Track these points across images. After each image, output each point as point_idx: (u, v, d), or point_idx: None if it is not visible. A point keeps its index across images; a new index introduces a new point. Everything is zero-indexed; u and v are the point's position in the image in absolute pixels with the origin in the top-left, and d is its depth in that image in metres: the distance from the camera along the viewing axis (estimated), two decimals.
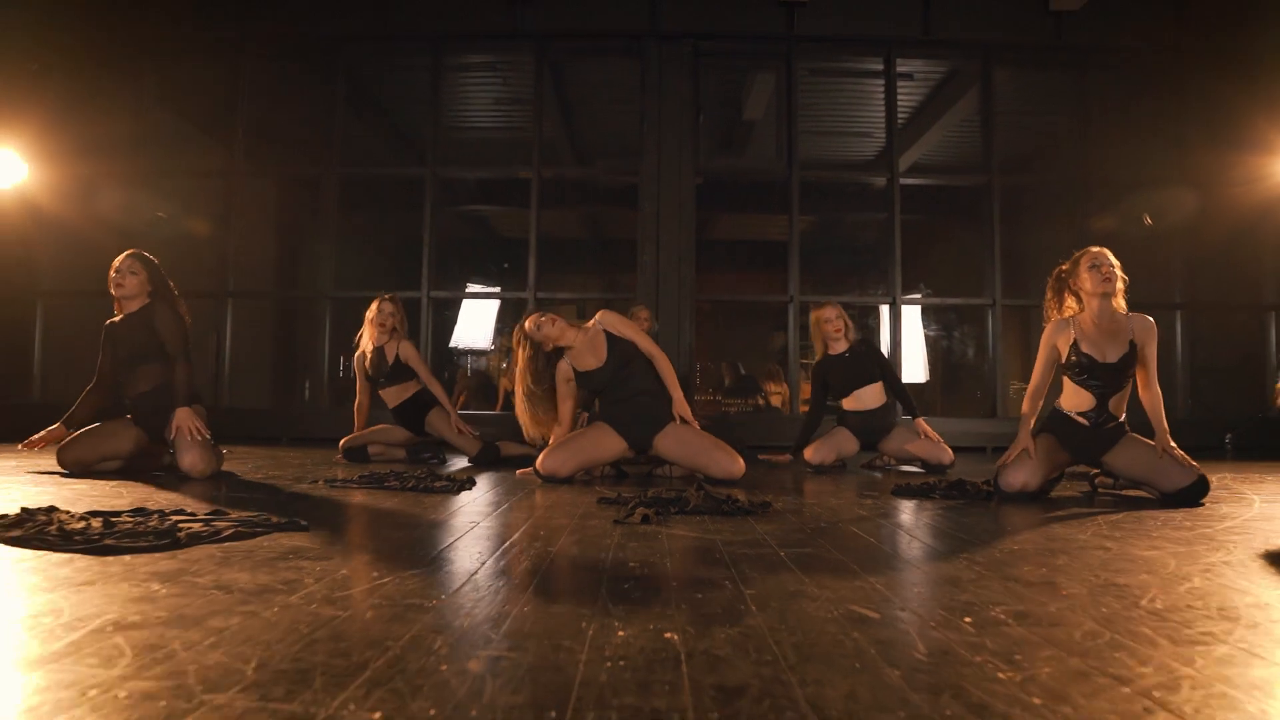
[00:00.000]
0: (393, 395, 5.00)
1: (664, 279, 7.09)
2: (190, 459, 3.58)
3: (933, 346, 11.03)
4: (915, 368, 10.63)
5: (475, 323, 12.27)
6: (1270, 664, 1.08)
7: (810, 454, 4.74)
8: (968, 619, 1.29)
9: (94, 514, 2.23)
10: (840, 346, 4.78)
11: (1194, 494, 3.02)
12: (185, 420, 3.64)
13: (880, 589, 1.52)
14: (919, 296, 10.38)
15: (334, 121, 7.53)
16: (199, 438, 3.63)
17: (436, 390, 4.98)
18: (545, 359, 3.84)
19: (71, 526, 2.02)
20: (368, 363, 5.00)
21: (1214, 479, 3.54)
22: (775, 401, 10.07)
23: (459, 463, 4.94)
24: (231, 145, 7.63)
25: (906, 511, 2.81)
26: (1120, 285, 3.19)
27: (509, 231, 12.06)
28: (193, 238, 8.27)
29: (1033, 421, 3.30)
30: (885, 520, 2.57)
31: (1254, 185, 6.92)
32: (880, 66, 7.52)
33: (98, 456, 3.72)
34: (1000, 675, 1.02)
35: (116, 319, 3.93)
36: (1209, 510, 2.87)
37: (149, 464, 3.90)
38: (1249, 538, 2.23)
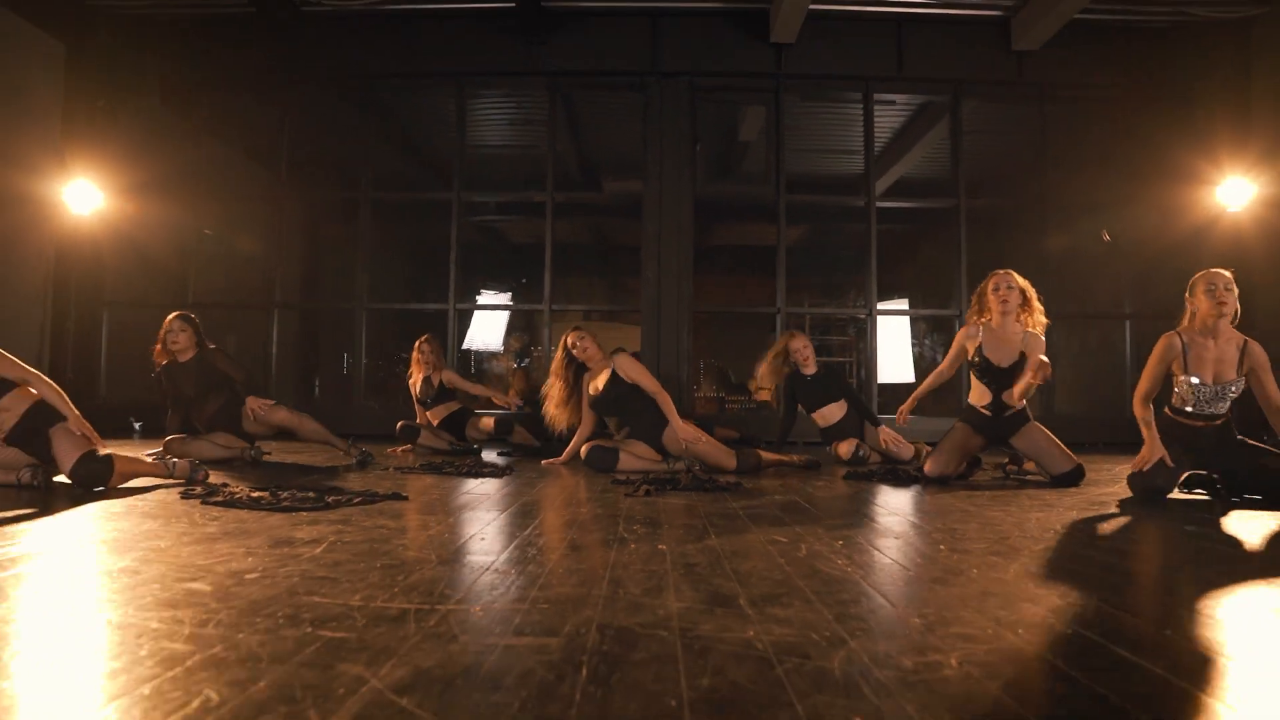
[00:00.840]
0: (438, 413, 6.04)
1: (665, 293, 7.94)
2: (280, 416, 4.77)
3: (914, 350, 11.85)
4: (898, 369, 11.43)
5: (489, 329, 13.10)
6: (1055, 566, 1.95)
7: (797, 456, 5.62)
8: (839, 543, 2.16)
9: (257, 488, 3.11)
10: (810, 369, 5.64)
11: (1073, 478, 3.89)
12: (255, 401, 4.71)
13: (798, 530, 2.39)
14: (893, 307, 11.22)
15: (368, 150, 8.39)
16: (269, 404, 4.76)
17: (481, 391, 6.02)
18: (576, 367, 4.77)
19: (254, 495, 2.90)
20: (418, 390, 6.06)
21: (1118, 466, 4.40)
22: (769, 399, 10.89)
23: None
24: (276, 171, 8.48)
25: (846, 491, 3.66)
26: (1017, 304, 4.06)
27: (519, 238, 12.89)
28: (238, 254, 9.17)
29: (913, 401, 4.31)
30: (825, 496, 3.43)
31: (1187, 212, 7.76)
32: (860, 100, 8.36)
33: (197, 454, 4.67)
34: (842, 564, 1.89)
35: (165, 362, 5.06)
36: (1082, 489, 3.73)
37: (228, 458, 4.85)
38: (1083, 501, 3.10)
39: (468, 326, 12.70)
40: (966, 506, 3.05)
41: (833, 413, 5.58)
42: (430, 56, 8.18)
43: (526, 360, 12.90)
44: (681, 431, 4.53)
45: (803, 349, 5.65)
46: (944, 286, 9.02)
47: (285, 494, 2.96)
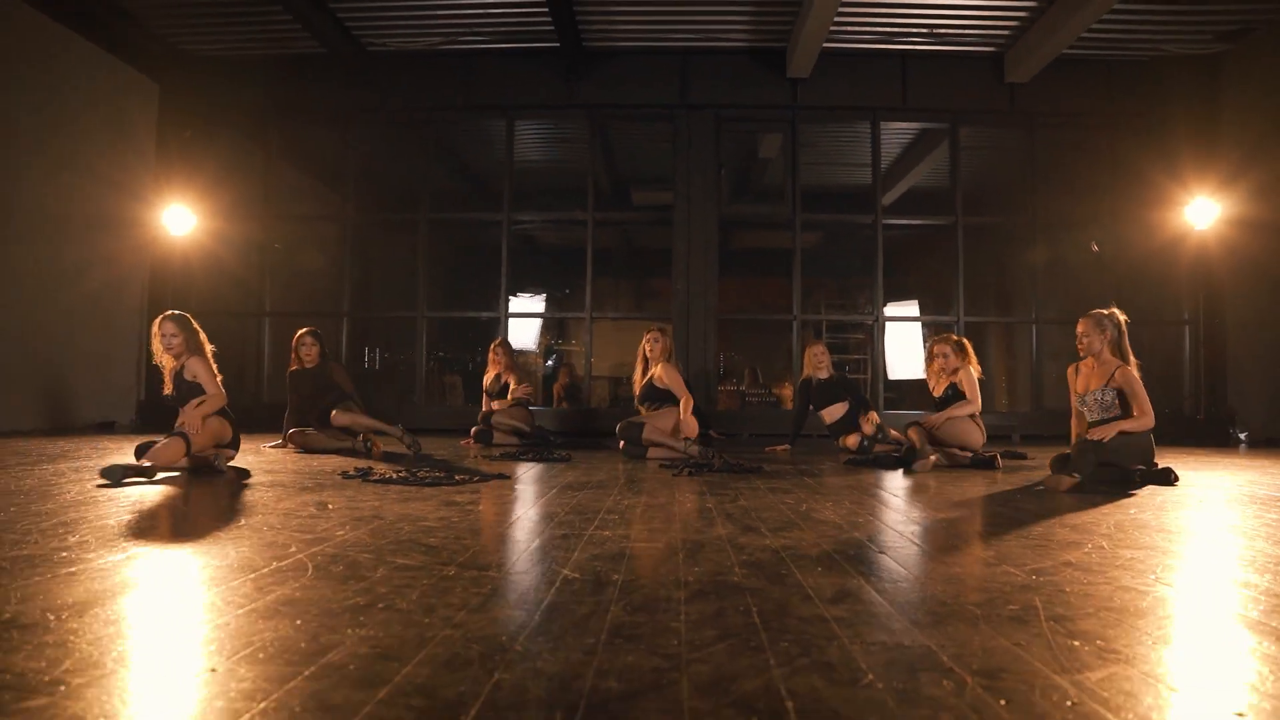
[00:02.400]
0: (502, 404, 7.02)
1: (693, 303, 8.91)
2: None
3: (919, 351, 12.76)
4: (910, 366, 12.32)
5: (522, 330, 14.10)
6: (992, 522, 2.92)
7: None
8: (827, 501, 3.13)
9: (397, 470, 4.12)
10: (824, 374, 6.59)
11: (988, 463, 4.92)
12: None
13: (800, 494, 3.36)
14: (900, 312, 12.15)
15: (426, 173, 9.39)
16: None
17: (523, 391, 7.01)
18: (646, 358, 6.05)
19: (400, 476, 3.90)
20: (487, 384, 7.13)
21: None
22: (785, 398, 11.82)
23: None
24: (341, 194, 9.50)
25: (846, 472, 4.63)
26: (951, 354, 5.38)
27: (551, 242, 13.84)
28: (305, 268, 10.22)
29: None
30: (831, 474, 4.40)
31: (1161, 229, 8.65)
32: (867, 129, 9.28)
33: (317, 444, 5.71)
34: (831, 516, 2.86)
35: (295, 368, 6.15)
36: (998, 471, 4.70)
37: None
38: (993, 477, 4.06)
39: (498, 330, 13.68)
40: (925, 480, 4.02)
41: (836, 411, 6.51)
42: (483, 91, 9.17)
43: (552, 359, 13.89)
44: (684, 427, 5.59)
45: (818, 355, 6.60)
46: (950, 290, 9.89)
47: (425, 475, 3.96)
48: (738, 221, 10.46)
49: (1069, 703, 1.11)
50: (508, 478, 4.07)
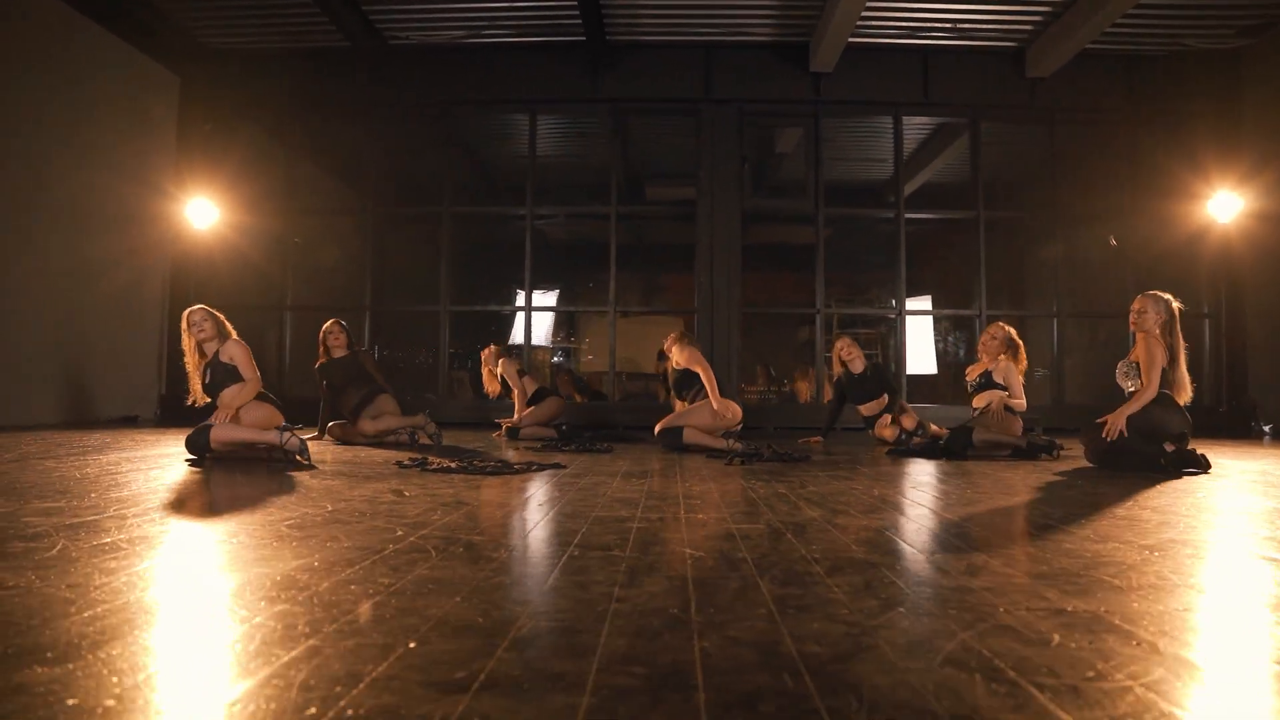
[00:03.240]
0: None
1: (716, 296, 8.93)
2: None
3: (939, 346, 12.82)
4: (922, 362, 12.38)
5: (536, 326, 14.10)
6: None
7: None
8: (906, 489, 3.16)
9: (451, 459, 4.14)
10: (859, 366, 6.60)
11: (1042, 449, 5.03)
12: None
13: (869, 482, 3.39)
14: (917, 306, 12.18)
15: (448, 168, 9.39)
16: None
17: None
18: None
19: (457, 466, 3.92)
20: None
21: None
22: (800, 392, 11.84)
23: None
24: (362, 188, 9.50)
25: (893, 461, 4.67)
26: (999, 339, 5.50)
27: (559, 237, 13.83)
28: (325, 263, 10.22)
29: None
30: (880, 463, 4.43)
31: (1182, 222, 8.69)
32: (890, 123, 9.31)
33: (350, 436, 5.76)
34: (910, 500, 2.89)
35: (324, 360, 6.16)
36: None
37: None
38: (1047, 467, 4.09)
39: (511, 325, 13.70)
40: (982, 468, 4.05)
41: (875, 406, 6.54)
42: (505, 85, 9.18)
43: (559, 356, 13.89)
44: (717, 405, 5.55)
45: (846, 349, 6.61)
46: (965, 286, 9.93)
47: (483, 464, 3.99)
48: (760, 215, 10.47)
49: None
50: (564, 467, 4.10)
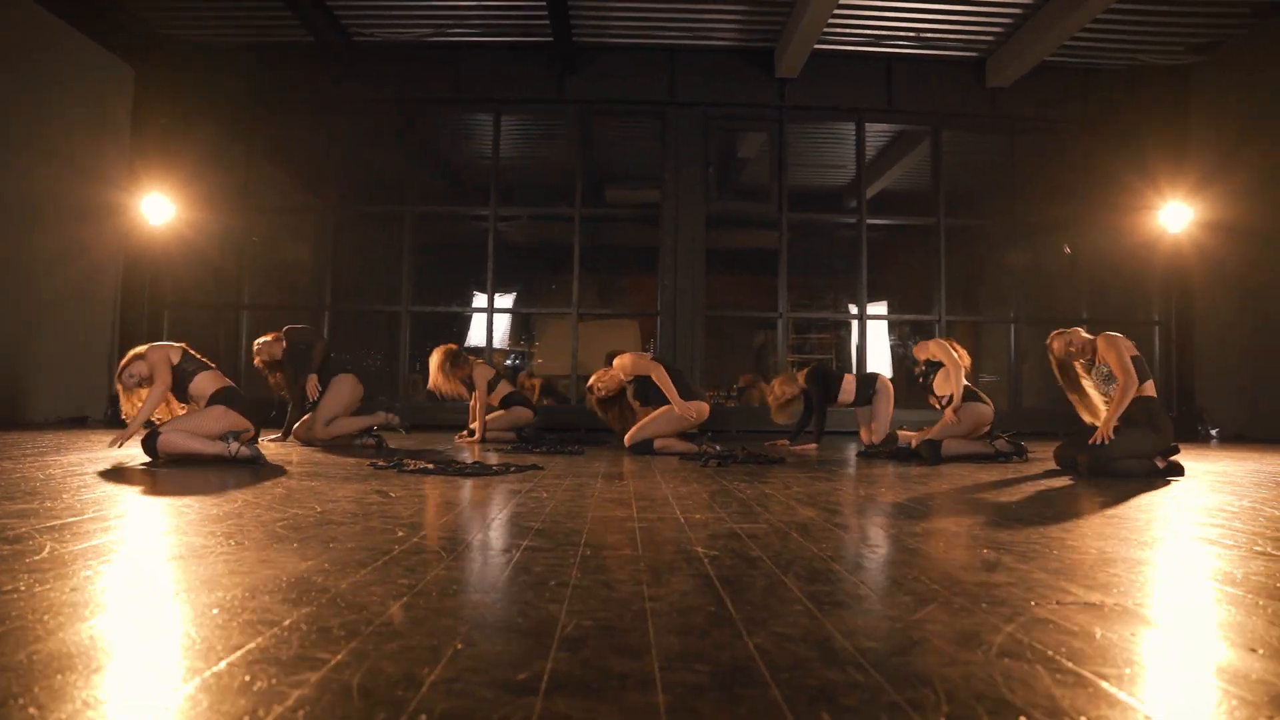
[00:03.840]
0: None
1: (680, 299, 8.95)
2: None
3: (899, 351, 12.97)
4: (881, 366, 12.52)
5: (498, 329, 13.96)
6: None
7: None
8: (891, 489, 3.19)
9: (428, 460, 4.08)
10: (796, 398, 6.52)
11: (1012, 454, 5.07)
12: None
13: (852, 483, 3.41)
14: (875, 311, 12.33)
15: (411, 167, 9.29)
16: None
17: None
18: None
19: (430, 466, 3.87)
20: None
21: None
22: (753, 398, 11.81)
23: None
24: (323, 185, 9.35)
25: (868, 463, 4.71)
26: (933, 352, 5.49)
27: (515, 239, 13.70)
28: (285, 261, 10.04)
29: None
30: (854, 465, 4.47)
31: (1135, 232, 8.94)
32: (852, 129, 9.42)
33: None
34: (900, 499, 2.91)
35: (260, 362, 6.10)
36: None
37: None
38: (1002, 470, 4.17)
39: (469, 327, 13.56)
40: (954, 470, 4.11)
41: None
42: (471, 84, 9.10)
43: (515, 360, 13.75)
44: (680, 408, 5.56)
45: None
46: (924, 291, 10.05)
47: (461, 466, 3.94)
48: (724, 219, 10.52)
49: None
50: (541, 468, 4.06)
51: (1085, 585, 1.58)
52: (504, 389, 7.05)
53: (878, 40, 8.73)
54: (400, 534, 2.13)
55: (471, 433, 6.79)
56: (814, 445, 6.25)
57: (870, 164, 10.89)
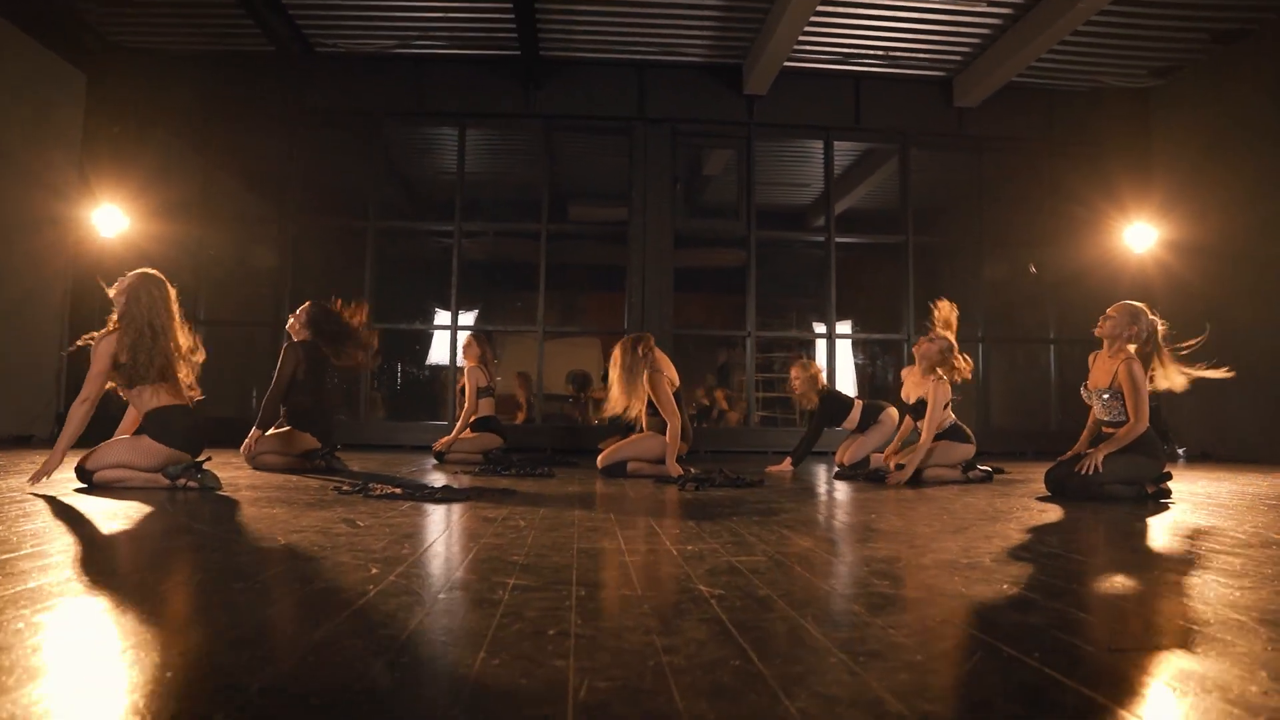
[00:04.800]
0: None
1: (648, 313, 8.83)
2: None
3: (867, 369, 12.96)
4: (846, 385, 12.49)
5: (441, 347, 13.67)
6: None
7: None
8: (884, 515, 3.08)
9: (395, 485, 3.89)
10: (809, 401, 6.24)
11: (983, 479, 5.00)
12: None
13: (808, 499, 3.30)
14: (849, 331, 12.31)
15: (374, 181, 9.07)
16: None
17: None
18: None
19: (398, 491, 3.68)
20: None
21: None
22: (730, 417, 11.71)
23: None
24: (283, 199, 9.09)
25: (848, 487, 4.61)
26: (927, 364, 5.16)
27: (476, 256, 13.50)
28: (245, 275, 9.75)
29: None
30: (834, 489, 4.36)
31: (1100, 250, 9.01)
32: (820, 146, 9.40)
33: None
34: (897, 526, 2.79)
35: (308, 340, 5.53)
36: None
37: None
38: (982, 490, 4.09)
39: (429, 345, 13.30)
40: (936, 493, 4.02)
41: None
42: (435, 97, 8.93)
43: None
44: (672, 449, 5.26)
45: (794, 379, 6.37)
46: (890, 310, 10.03)
47: (430, 491, 3.76)
48: (693, 236, 10.43)
49: None
50: (514, 493, 3.89)
51: (1125, 626, 1.47)
52: (486, 408, 6.84)
53: (846, 58, 8.73)
54: (374, 571, 1.96)
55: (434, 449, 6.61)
56: (790, 466, 6.10)
57: (838, 181, 10.90)
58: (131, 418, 4.03)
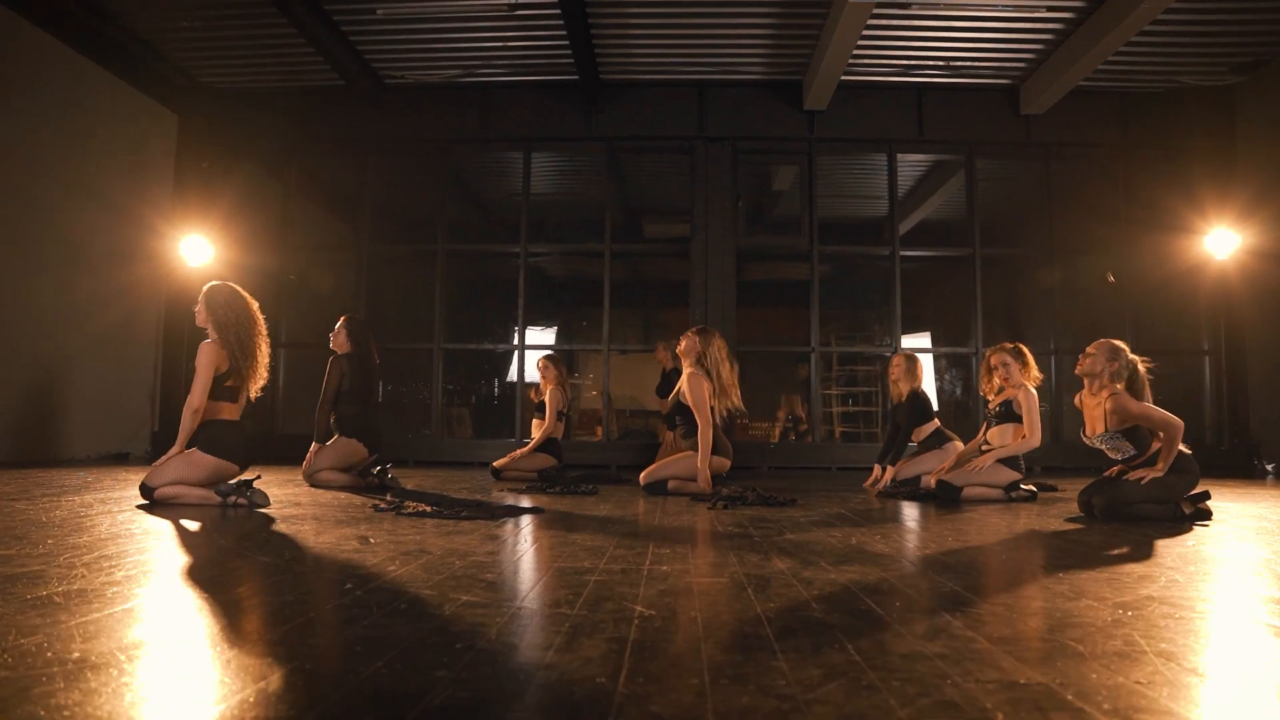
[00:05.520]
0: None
1: None
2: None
3: (936, 383, 12.68)
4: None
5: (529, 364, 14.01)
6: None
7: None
8: (884, 537, 3.07)
9: (429, 505, 4.06)
10: (900, 390, 6.09)
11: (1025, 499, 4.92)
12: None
13: (845, 521, 3.30)
14: (914, 344, 12.05)
15: (444, 205, 9.39)
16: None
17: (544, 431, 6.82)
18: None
19: (422, 508, 3.84)
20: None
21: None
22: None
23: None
24: (357, 225, 9.50)
25: (871, 503, 4.58)
26: (1012, 363, 5.08)
27: (557, 273, 13.77)
28: (321, 299, 10.19)
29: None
30: (855, 505, 4.34)
31: (1179, 258, 8.65)
32: (884, 160, 9.30)
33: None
34: (884, 549, 2.79)
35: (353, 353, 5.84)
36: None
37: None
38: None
39: (508, 363, 13.60)
40: (970, 514, 3.96)
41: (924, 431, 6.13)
42: (501, 123, 9.21)
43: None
44: (702, 467, 5.31)
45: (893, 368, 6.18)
46: (962, 322, 9.84)
47: (459, 509, 3.91)
48: (755, 253, 10.45)
49: None
50: (543, 511, 4.01)
51: (1020, 658, 1.48)
52: (557, 429, 6.94)
53: (907, 70, 8.63)
54: (347, 585, 2.10)
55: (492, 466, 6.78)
56: (883, 474, 5.86)
57: (910, 193, 10.79)
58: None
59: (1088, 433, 4.23)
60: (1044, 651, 1.52)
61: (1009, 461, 5.01)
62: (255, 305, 4.53)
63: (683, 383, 5.61)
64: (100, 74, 8.14)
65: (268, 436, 8.67)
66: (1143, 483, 3.89)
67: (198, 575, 2.30)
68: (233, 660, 1.41)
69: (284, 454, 7.43)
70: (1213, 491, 4.99)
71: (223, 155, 9.33)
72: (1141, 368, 4.18)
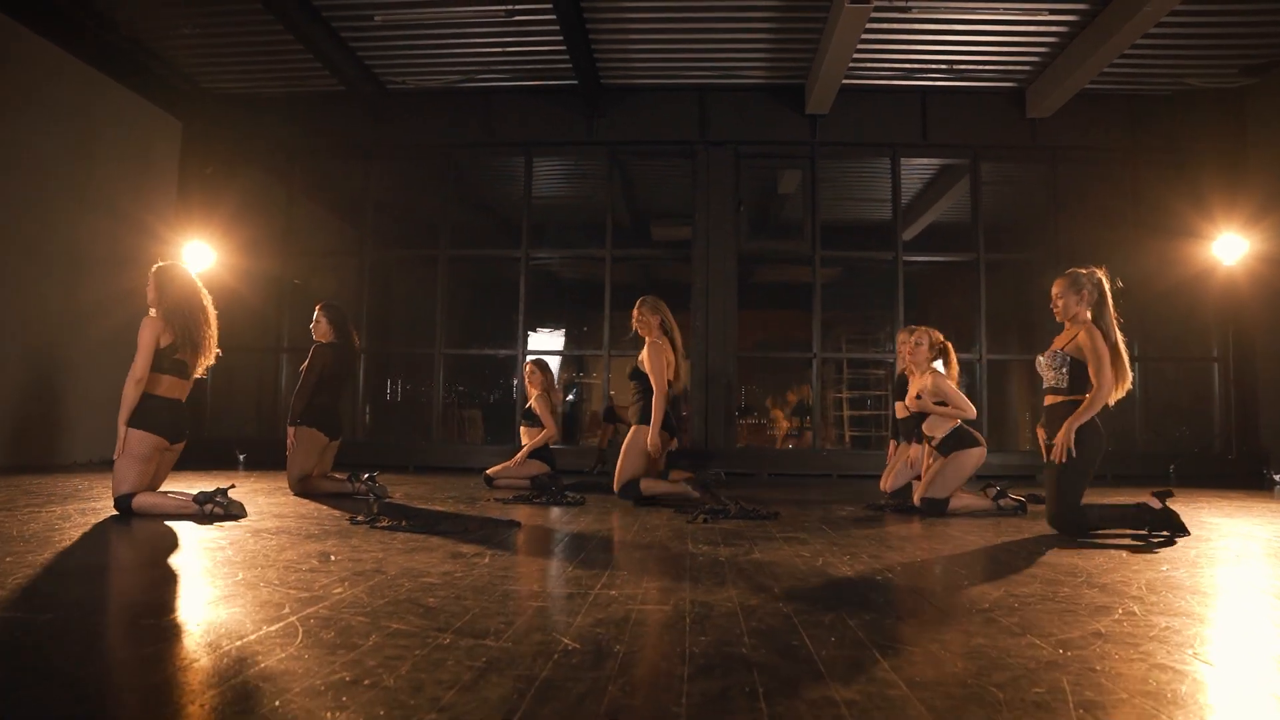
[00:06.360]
0: (528, 433, 6.81)
1: (712, 337, 8.83)
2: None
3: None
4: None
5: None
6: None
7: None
8: (853, 556, 3.02)
9: (406, 518, 4.04)
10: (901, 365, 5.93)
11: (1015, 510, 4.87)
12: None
13: (806, 535, 3.25)
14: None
15: (445, 210, 9.39)
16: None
17: (543, 437, 6.73)
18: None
19: (408, 523, 3.82)
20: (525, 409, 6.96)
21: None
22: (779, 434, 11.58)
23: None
24: (359, 230, 9.51)
25: (849, 520, 4.52)
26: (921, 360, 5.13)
27: (568, 276, 13.77)
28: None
29: None
30: (834, 521, 4.29)
31: (1186, 262, 8.51)
32: (887, 164, 9.21)
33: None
34: (847, 571, 2.75)
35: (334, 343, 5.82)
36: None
37: None
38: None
39: (512, 367, 13.58)
40: (947, 529, 3.90)
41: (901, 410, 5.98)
42: (502, 127, 9.20)
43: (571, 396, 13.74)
44: (650, 446, 5.32)
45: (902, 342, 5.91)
46: (970, 326, 9.74)
47: (435, 522, 3.89)
48: (757, 257, 10.40)
49: None
50: (519, 525, 3.98)
51: (933, 708, 1.43)
52: (550, 435, 6.86)
53: (910, 73, 8.55)
54: (285, 609, 2.08)
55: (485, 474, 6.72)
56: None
57: (917, 198, 10.71)
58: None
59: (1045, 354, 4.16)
60: (959, 699, 1.47)
61: (963, 439, 4.88)
62: (201, 284, 4.68)
63: (644, 352, 5.51)
64: (105, 81, 8.20)
65: (270, 441, 8.68)
66: (1070, 449, 3.81)
67: (113, 606, 2.28)
68: None
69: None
70: (1215, 504, 4.93)
71: (226, 160, 9.38)
72: (1105, 281, 4.13)
